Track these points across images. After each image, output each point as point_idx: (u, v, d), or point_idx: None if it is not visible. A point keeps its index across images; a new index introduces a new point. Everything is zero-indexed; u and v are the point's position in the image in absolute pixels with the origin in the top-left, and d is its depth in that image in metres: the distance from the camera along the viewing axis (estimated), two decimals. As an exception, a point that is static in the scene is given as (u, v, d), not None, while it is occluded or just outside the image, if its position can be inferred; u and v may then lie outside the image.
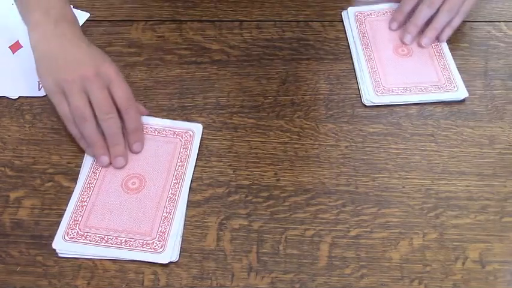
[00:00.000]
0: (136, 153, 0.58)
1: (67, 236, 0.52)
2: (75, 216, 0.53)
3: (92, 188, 0.55)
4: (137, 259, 0.51)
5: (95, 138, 0.55)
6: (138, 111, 0.58)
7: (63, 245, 0.51)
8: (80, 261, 0.51)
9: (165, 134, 0.59)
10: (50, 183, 0.56)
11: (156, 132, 0.59)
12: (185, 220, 0.53)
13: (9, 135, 0.60)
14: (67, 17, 0.59)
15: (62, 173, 0.57)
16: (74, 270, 0.51)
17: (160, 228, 0.53)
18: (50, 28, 0.57)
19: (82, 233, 0.52)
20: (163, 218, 0.53)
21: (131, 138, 0.57)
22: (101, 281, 0.50)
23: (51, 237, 0.52)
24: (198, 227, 0.53)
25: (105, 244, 0.51)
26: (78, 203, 0.54)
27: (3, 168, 0.57)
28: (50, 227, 0.53)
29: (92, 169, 0.56)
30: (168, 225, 0.53)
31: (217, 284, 0.50)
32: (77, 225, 0.52)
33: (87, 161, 0.57)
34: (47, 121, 0.61)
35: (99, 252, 0.51)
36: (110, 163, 0.56)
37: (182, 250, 0.52)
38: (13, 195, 0.56)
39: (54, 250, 0.51)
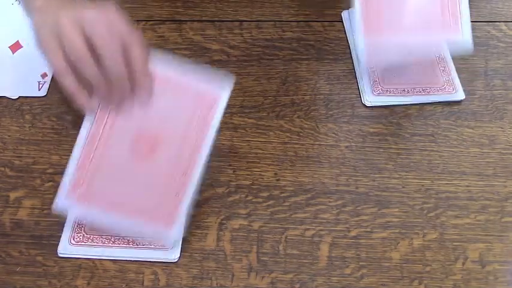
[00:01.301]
0: (144, 104, 0.49)
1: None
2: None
3: (93, 150, 0.50)
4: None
5: (99, 79, 0.47)
6: (145, 52, 0.49)
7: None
8: (80, 261, 0.51)
9: (187, 87, 0.50)
10: (50, 183, 0.56)
11: (175, 84, 0.50)
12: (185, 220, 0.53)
13: (9, 135, 0.60)
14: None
15: (62, 173, 0.57)
16: (74, 270, 0.51)
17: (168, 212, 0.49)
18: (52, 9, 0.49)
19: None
20: (172, 199, 0.49)
21: (137, 81, 0.48)
22: (101, 281, 0.50)
23: (51, 237, 0.52)
24: (198, 227, 0.53)
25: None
26: (79, 164, 0.50)
27: (3, 168, 0.57)
28: (50, 227, 0.53)
29: (95, 125, 0.50)
30: (176, 211, 0.49)
31: (217, 284, 0.50)
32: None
33: (88, 119, 0.50)
34: (47, 121, 0.61)
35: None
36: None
37: (182, 250, 0.52)
38: (13, 195, 0.56)
39: (54, 250, 0.51)
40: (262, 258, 0.52)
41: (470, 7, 0.72)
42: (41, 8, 0.51)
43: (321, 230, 0.53)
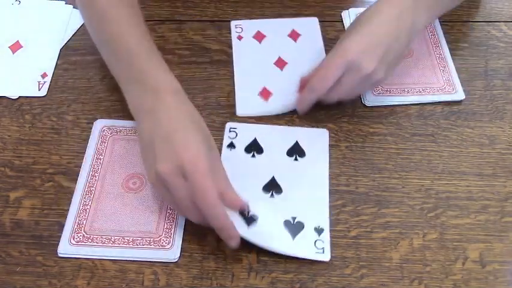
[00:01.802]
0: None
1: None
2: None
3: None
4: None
5: (205, 223, 0.50)
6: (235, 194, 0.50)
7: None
8: (80, 261, 0.51)
9: None
10: (50, 183, 0.56)
11: None
12: (185, 220, 0.53)
13: (9, 135, 0.60)
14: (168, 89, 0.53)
15: (62, 173, 0.57)
16: (74, 270, 0.51)
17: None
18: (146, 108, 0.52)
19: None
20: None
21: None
22: (101, 281, 0.50)
23: (51, 237, 0.52)
24: (198, 227, 0.53)
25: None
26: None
27: (3, 168, 0.57)
28: (50, 227, 0.53)
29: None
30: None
31: (217, 284, 0.50)
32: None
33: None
34: (47, 121, 0.61)
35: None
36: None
37: (182, 250, 0.52)
38: (13, 195, 0.56)
39: (54, 250, 0.51)
40: (262, 258, 0.51)
41: (471, 7, 0.72)
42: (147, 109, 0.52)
43: (321, 230, 0.53)
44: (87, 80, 0.65)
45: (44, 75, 0.65)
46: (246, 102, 0.62)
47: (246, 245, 0.52)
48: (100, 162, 0.57)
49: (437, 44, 0.68)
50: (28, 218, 0.54)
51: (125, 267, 0.51)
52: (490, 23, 0.71)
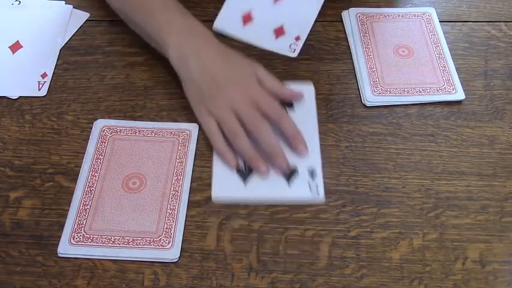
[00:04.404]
0: (304, 155, 0.57)
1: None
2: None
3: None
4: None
5: (251, 151, 0.55)
6: (290, 118, 0.57)
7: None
8: (80, 261, 0.51)
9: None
10: (50, 183, 0.56)
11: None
12: (185, 220, 0.53)
13: (9, 135, 0.60)
14: (197, 30, 0.61)
15: (62, 173, 0.57)
16: (74, 270, 0.51)
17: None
18: (187, 47, 0.59)
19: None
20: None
21: (294, 143, 0.57)
22: (101, 281, 0.50)
23: (51, 237, 0.52)
24: (198, 227, 0.53)
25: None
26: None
27: (3, 168, 0.57)
28: (50, 227, 0.53)
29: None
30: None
31: (217, 284, 0.50)
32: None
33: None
34: (47, 121, 0.61)
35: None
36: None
37: (182, 250, 0.52)
38: (13, 195, 0.56)
39: (54, 250, 0.51)
40: (262, 258, 0.52)
41: (471, 7, 0.72)
42: (176, 43, 0.60)
43: (321, 230, 0.53)
44: (87, 80, 0.65)
45: (44, 75, 0.65)
46: None
47: (246, 245, 0.52)
48: (100, 162, 0.57)
49: (437, 44, 0.68)
50: (28, 218, 0.54)
51: (124, 267, 0.51)
52: (490, 23, 0.71)
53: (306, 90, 0.62)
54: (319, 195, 0.54)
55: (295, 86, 0.62)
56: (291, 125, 0.57)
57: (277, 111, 0.57)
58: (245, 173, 0.56)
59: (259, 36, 0.59)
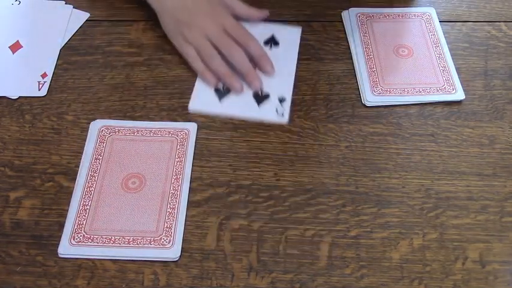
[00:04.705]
0: (271, 74, 0.63)
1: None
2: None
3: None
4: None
5: (226, 70, 0.62)
6: (257, 42, 0.64)
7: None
8: (80, 261, 0.51)
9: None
10: (50, 183, 0.56)
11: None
12: (185, 220, 0.53)
13: (9, 135, 0.60)
14: None
15: (62, 173, 0.57)
16: (74, 270, 0.51)
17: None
18: None
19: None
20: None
21: (262, 63, 0.63)
22: (101, 281, 0.50)
23: (51, 237, 0.52)
24: (198, 227, 0.53)
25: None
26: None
27: (3, 168, 0.57)
28: (50, 227, 0.53)
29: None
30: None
31: (217, 284, 0.50)
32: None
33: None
34: (47, 121, 0.61)
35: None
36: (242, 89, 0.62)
37: (182, 250, 0.52)
38: (13, 195, 0.56)
39: (54, 250, 0.51)
40: (262, 258, 0.52)
41: (471, 7, 0.72)
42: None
43: (321, 230, 0.53)
44: (87, 80, 0.65)
45: (44, 75, 0.65)
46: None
47: (246, 245, 0.52)
48: (99, 162, 0.57)
49: (437, 44, 0.68)
50: (28, 218, 0.54)
51: (125, 267, 0.51)
52: (490, 23, 0.71)
53: (293, 32, 0.68)
54: (284, 117, 0.60)
55: (282, 27, 0.68)
56: (258, 47, 0.63)
57: (244, 35, 0.63)
58: (222, 92, 0.62)
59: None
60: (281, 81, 0.63)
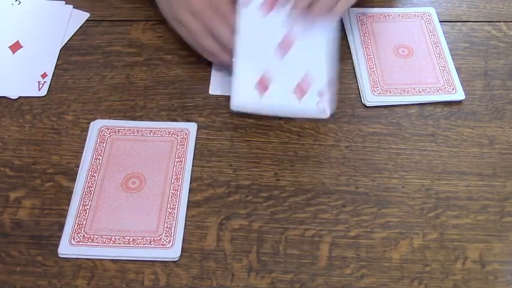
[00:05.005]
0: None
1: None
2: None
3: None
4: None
5: (215, 49, 0.62)
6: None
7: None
8: (80, 261, 0.51)
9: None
10: (50, 183, 0.56)
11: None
12: (185, 220, 0.53)
13: (9, 135, 0.60)
14: None
15: (62, 173, 0.57)
16: (74, 270, 0.51)
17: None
18: None
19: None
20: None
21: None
22: (101, 281, 0.50)
23: (51, 237, 0.52)
24: (198, 227, 0.53)
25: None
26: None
27: (3, 168, 0.57)
28: (50, 227, 0.53)
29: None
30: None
31: (217, 284, 0.50)
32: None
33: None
34: (47, 121, 0.61)
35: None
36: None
37: (182, 250, 0.52)
38: (13, 195, 0.56)
39: (54, 250, 0.51)
40: (262, 258, 0.52)
41: (471, 7, 0.72)
42: None
43: (321, 230, 0.53)
44: (87, 80, 0.65)
45: (44, 75, 0.65)
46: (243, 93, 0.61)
47: (246, 245, 0.52)
48: (99, 162, 0.57)
49: (437, 44, 0.68)
50: (28, 218, 0.54)
51: (125, 267, 0.51)
52: (490, 23, 0.71)
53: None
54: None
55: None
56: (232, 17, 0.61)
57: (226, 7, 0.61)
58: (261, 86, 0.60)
59: (281, 102, 0.60)
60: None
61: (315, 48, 0.60)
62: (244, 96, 0.59)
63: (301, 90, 0.59)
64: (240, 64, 0.59)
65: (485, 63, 0.66)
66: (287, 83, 0.59)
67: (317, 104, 0.58)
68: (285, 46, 0.59)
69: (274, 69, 0.59)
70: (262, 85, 0.59)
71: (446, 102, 0.63)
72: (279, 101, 0.59)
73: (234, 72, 0.60)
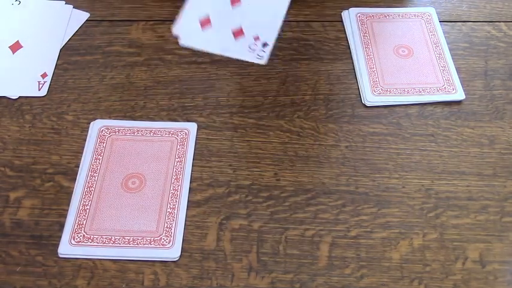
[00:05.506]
0: None
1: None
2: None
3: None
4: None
5: None
6: None
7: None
8: (80, 261, 0.51)
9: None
10: (50, 183, 0.56)
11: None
12: (185, 220, 0.53)
13: (9, 135, 0.60)
14: None
15: (62, 173, 0.57)
16: (74, 270, 0.51)
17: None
18: None
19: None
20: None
21: None
22: (101, 281, 0.50)
23: (51, 237, 0.52)
24: (198, 227, 0.53)
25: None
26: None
27: (3, 168, 0.57)
28: (50, 227, 0.53)
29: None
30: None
31: (217, 284, 0.50)
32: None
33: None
34: (47, 121, 0.61)
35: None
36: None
37: (182, 250, 0.52)
38: (13, 195, 0.56)
39: (54, 250, 0.52)
40: (262, 258, 0.52)
41: (471, 7, 0.72)
42: None
43: (321, 230, 0.53)
44: (87, 80, 0.65)
45: (44, 75, 0.65)
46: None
47: (246, 245, 0.52)
48: (99, 162, 0.57)
49: (437, 44, 0.68)
50: (28, 218, 0.54)
51: (125, 267, 0.51)
52: (490, 23, 0.71)
53: None
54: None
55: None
56: None
57: None
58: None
59: (219, 42, 0.59)
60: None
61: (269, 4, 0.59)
62: (187, 26, 0.58)
63: (240, 32, 0.58)
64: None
65: (485, 63, 0.66)
66: (230, 25, 0.58)
67: (255, 50, 0.57)
68: None
69: (224, 13, 0.58)
70: (207, 20, 0.58)
71: (446, 102, 0.63)
72: (216, 37, 0.58)
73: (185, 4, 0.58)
